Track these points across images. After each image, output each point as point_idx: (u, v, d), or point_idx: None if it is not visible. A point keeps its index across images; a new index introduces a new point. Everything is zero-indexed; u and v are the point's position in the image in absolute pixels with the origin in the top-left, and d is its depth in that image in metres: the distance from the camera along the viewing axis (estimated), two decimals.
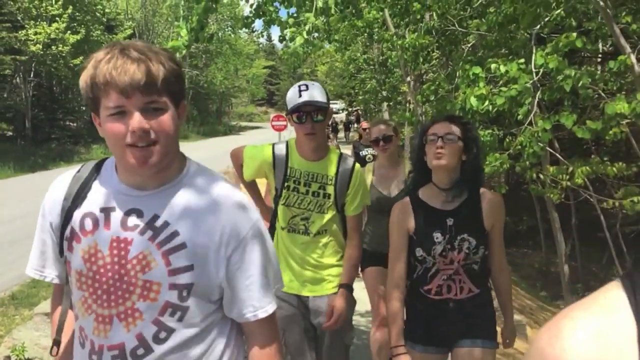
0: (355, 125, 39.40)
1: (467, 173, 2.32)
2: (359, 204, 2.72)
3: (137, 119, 1.24)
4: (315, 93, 2.52)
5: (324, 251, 2.71)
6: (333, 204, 2.65)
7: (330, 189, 2.65)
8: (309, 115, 2.52)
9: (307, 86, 2.54)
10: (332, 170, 2.66)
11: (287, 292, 2.70)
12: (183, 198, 1.36)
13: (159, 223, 1.33)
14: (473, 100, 4.42)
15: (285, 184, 2.65)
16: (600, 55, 8.66)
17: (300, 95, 2.50)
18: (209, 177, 1.44)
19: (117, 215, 1.35)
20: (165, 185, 1.37)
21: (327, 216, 2.67)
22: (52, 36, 23.20)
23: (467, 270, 2.32)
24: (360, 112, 35.55)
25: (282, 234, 2.74)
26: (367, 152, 7.72)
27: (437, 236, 2.31)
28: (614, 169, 4.41)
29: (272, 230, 2.78)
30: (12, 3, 23.22)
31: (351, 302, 2.76)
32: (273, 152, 2.68)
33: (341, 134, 33.16)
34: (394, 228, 2.42)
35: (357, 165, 2.71)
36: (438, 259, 2.30)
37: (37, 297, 6.83)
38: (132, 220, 1.34)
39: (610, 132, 4.01)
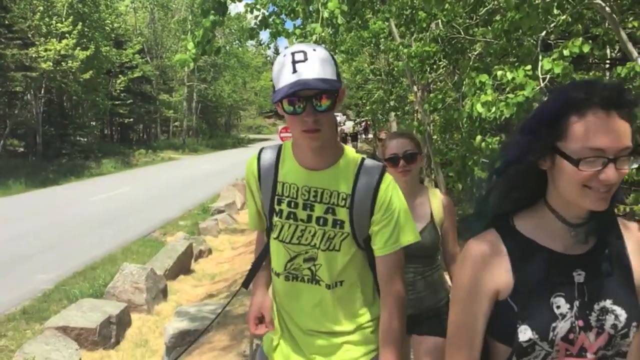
0: (364, 136, 39.50)
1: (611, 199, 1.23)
2: (395, 235, 1.69)
3: None
4: (317, 66, 1.54)
5: (343, 312, 1.76)
6: (349, 236, 1.69)
7: (342, 213, 1.68)
8: (309, 102, 1.53)
9: (304, 54, 1.54)
10: (345, 184, 1.69)
11: None
12: None
13: None
14: (479, 108, 4.41)
15: (276, 207, 1.73)
16: (608, 61, 8.62)
17: (294, 70, 1.52)
18: None
19: None
20: None
21: (343, 256, 1.72)
22: (62, 52, 23.54)
23: None
24: (369, 123, 35.52)
25: (278, 283, 1.83)
26: None
27: (560, 303, 1.22)
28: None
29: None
30: (22, 20, 23.58)
31: None
32: (258, 161, 1.79)
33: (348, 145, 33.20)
34: (465, 288, 1.27)
35: (388, 175, 1.72)
36: (559, 346, 1.21)
37: (48, 312, 6.86)
38: None
39: None
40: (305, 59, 1.54)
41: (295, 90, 1.51)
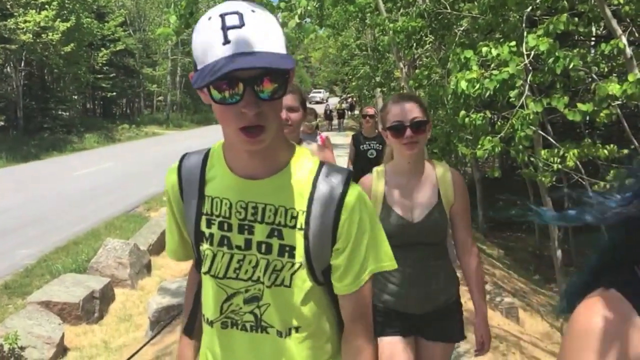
0: (349, 112, 39.35)
1: None
2: (364, 266, 1.26)
3: None
4: (260, 34, 1.08)
5: None
6: (302, 267, 1.25)
7: (292, 237, 1.24)
8: (248, 87, 1.08)
9: (240, 18, 1.07)
10: (298, 197, 1.24)
11: None
12: None
13: None
14: (464, 84, 4.40)
15: (204, 230, 1.29)
16: (593, 38, 8.64)
17: (225, 40, 1.06)
18: None
19: None
20: None
21: (296, 293, 1.27)
22: (42, 24, 23.00)
23: None
24: (355, 99, 35.40)
25: (211, 333, 1.36)
26: (369, 146, 6.30)
27: None
28: (605, 151, 4.41)
29: None
30: None
31: None
32: (179, 171, 1.33)
33: (333, 121, 33.00)
34: None
35: (355, 187, 1.26)
36: None
37: (30, 287, 6.82)
38: None
39: (602, 114, 4.00)
40: (242, 24, 1.05)
41: (228, 71, 1.00)
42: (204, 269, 1.29)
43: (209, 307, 1.33)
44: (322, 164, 1.28)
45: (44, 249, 8.46)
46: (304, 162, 1.26)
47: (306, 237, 1.23)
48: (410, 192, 2.16)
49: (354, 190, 1.24)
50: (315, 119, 5.59)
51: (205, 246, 1.28)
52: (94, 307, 6.04)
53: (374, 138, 6.22)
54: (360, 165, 5.97)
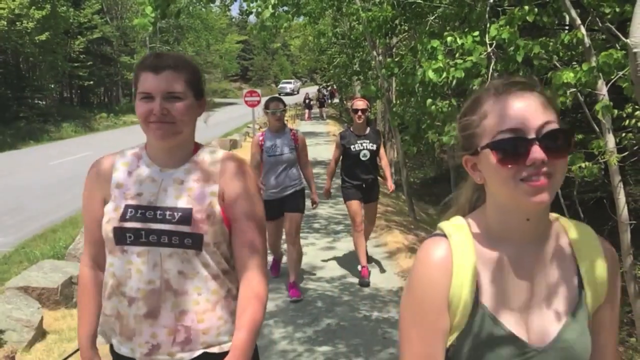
0: (329, 101, 39.40)
1: None
2: None
3: None
4: None
5: None
6: None
7: None
8: None
9: None
10: None
11: None
12: None
13: None
14: (431, 74, 4.57)
15: None
16: (567, 27, 8.87)
17: None
18: None
19: None
20: None
21: None
22: (16, 12, 22.67)
23: None
24: (334, 88, 35.45)
25: None
26: (362, 146, 5.37)
27: None
28: None
29: None
30: None
31: None
32: None
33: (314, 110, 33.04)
34: None
35: None
36: None
37: (9, 273, 6.88)
38: None
39: (558, 101, 4.21)
40: None
41: None
42: None
43: None
44: None
45: (21, 237, 8.50)
46: None
47: None
48: (529, 283, 1.03)
49: None
50: (283, 108, 5.18)
51: None
52: (72, 292, 6.12)
53: (366, 136, 5.39)
54: (351, 170, 5.40)
